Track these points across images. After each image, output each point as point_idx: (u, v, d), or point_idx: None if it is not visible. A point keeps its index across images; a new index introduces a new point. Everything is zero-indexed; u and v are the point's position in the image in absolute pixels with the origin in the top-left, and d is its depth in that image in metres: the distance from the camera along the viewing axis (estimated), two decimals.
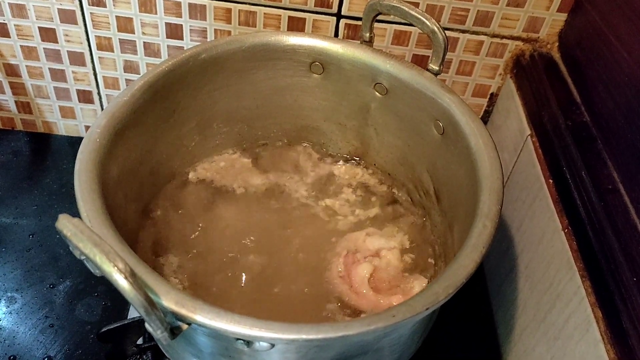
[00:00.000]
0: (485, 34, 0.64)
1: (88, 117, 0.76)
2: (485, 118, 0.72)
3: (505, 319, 0.59)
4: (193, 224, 0.54)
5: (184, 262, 0.51)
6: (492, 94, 0.69)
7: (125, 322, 0.44)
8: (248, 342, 0.34)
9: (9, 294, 0.59)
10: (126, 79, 0.71)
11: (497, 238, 0.63)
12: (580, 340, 0.44)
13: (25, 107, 0.75)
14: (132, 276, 0.30)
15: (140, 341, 0.52)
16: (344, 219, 0.56)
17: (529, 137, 0.58)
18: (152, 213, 0.54)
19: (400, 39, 0.65)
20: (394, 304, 0.44)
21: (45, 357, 0.54)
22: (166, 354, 0.47)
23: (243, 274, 0.50)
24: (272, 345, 0.34)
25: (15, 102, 0.75)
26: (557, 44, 0.64)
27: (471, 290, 0.64)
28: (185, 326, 0.34)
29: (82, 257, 0.32)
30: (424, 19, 0.48)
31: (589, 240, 0.45)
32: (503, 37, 0.64)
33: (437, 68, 0.50)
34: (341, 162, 0.62)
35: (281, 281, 0.50)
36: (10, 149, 0.76)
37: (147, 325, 0.32)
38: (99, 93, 0.73)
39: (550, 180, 0.53)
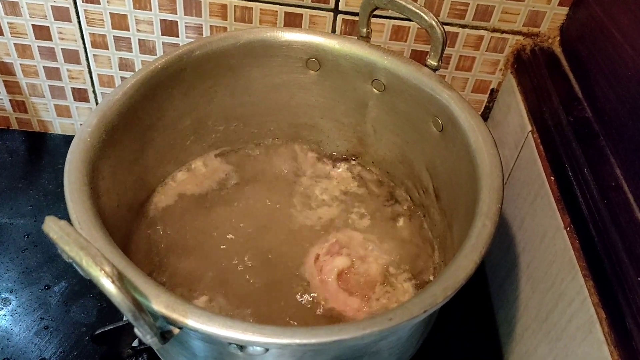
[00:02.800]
0: (485, 29, 0.63)
1: (83, 115, 0.75)
2: (486, 114, 0.71)
3: (507, 319, 0.58)
4: (188, 225, 0.53)
5: (180, 264, 0.50)
6: (492, 90, 0.68)
7: (120, 324, 0.44)
8: (241, 347, 0.33)
9: (4, 295, 0.58)
10: (121, 77, 0.70)
11: (498, 237, 0.62)
12: (583, 341, 0.43)
13: (20, 106, 0.75)
14: (119, 280, 0.29)
15: (135, 343, 0.51)
16: (341, 218, 0.55)
17: (530, 133, 0.57)
18: (145, 214, 0.53)
19: (398, 34, 0.64)
20: (349, 304, 0.46)
21: (40, 359, 0.54)
22: (160, 357, 0.46)
23: (241, 273, 0.50)
24: (266, 350, 0.33)
25: (10, 101, 0.74)
26: (558, 38, 0.62)
27: (472, 290, 0.63)
28: (176, 330, 0.33)
29: (70, 260, 0.31)
30: (422, 13, 0.47)
31: (592, 239, 0.44)
32: (503, 31, 0.63)
33: (435, 63, 0.49)
34: (338, 160, 0.61)
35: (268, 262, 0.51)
36: (6, 148, 0.75)
37: (136, 330, 0.31)
38: (94, 91, 0.73)
39: (552, 178, 0.52)
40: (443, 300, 0.34)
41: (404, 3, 0.47)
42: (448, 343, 0.58)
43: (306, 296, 0.48)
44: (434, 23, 0.47)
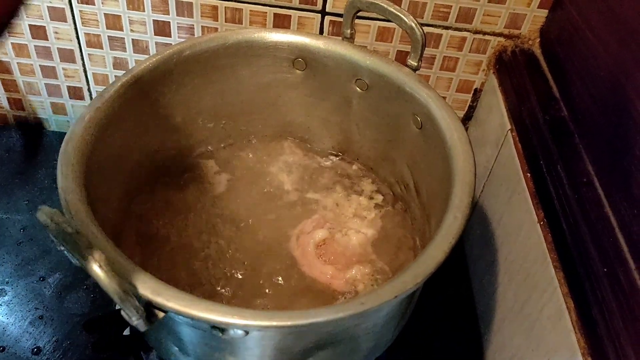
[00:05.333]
0: (468, 31, 0.65)
1: (79, 113, 0.77)
2: (470, 113, 0.73)
3: (486, 310, 0.60)
4: (179, 220, 0.55)
5: (170, 256, 0.52)
6: (475, 90, 0.70)
7: (110, 311, 0.46)
8: (222, 330, 0.35)
9: (0, 287, 0.60)
10: (115, 76, 0.72)
11: (480, 231, 0.64)
12: (553, 330, 0.45)
13: (17, 103, 0.77)
14: (106, 265, 0.31)
15: (126, 332, 0.53)
16: (327, 210, 0.57)
17: (509, 131, 0.59)
18: (136, 210, 0.55)
19: (384, 35, 0.65)
20: (323, 272, 0.50)
21: (34, 348, 0.55)
22: (149, 343, 0.48)
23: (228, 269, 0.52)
24: (247, 333, 0.35)
25: (8, 98, 0.76)
26: (538, 40, 0.64)
27: (455, 283, 0.65)
28: (161, 314, 0.35)
29: (62, 248, 0.33)
30: (402, 16, 0.49)
31: (563, 232, 0.46)
32: (485, 33, 0.65)
33: (415, 64, 0.51)
34: (325, 157, 0.63)
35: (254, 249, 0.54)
36: (3, 145, 0.77)
37: (122, 312, 0.33)
38: (89, 89, 0.74)
39: (528, 174, 0.54)
40: (413, 287, 0.36)
41: (385, 6, 0.49)
42: (429, 335, 0.60)
43: (291, 270, 0.51)
44: (413, 25, 0.49)
